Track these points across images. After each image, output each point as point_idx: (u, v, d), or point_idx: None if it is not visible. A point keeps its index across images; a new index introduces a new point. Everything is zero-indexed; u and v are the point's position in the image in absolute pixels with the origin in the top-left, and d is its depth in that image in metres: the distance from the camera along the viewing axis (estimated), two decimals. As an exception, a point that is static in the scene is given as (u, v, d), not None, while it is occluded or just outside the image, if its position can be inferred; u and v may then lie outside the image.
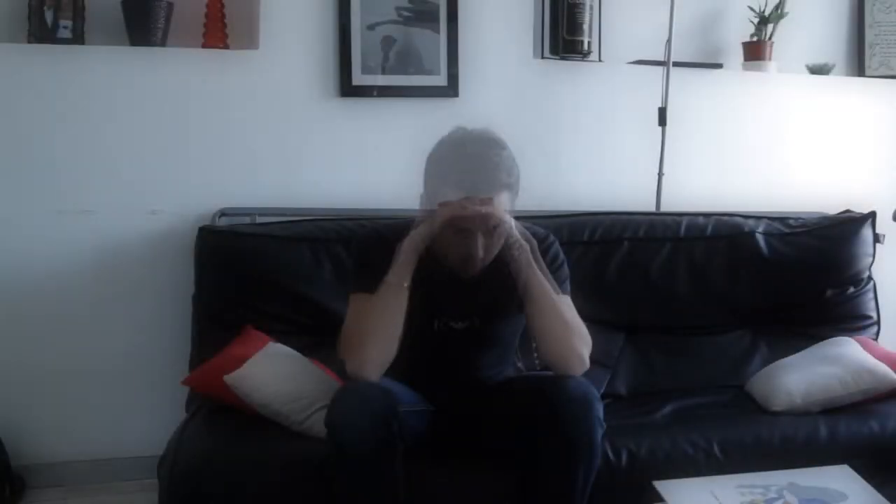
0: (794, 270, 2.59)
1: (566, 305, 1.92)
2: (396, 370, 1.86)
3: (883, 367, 2.26)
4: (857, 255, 2.64)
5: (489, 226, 1.83)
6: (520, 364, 2.13)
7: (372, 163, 2.74)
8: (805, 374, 2.26)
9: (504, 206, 1.85)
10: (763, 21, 3.01)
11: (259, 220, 2.59)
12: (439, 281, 1.89)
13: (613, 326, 2.49)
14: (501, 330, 2.01)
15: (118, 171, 2.58)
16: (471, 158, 1.84)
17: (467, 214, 1.81)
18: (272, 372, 2.08)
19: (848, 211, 2.77)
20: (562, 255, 2.03)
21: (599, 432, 1.79)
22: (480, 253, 1.85)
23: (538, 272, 1.88)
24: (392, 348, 1.84)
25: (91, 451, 2.65)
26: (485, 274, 1.89)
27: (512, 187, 1.87)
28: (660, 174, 2.81)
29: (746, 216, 2.67)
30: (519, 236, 1.89)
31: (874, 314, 2.66)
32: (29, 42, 2.51)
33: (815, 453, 2.02)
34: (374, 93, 2.71)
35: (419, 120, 2.73)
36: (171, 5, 2.57)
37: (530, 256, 1.88)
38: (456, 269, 1.89)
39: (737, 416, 2.21)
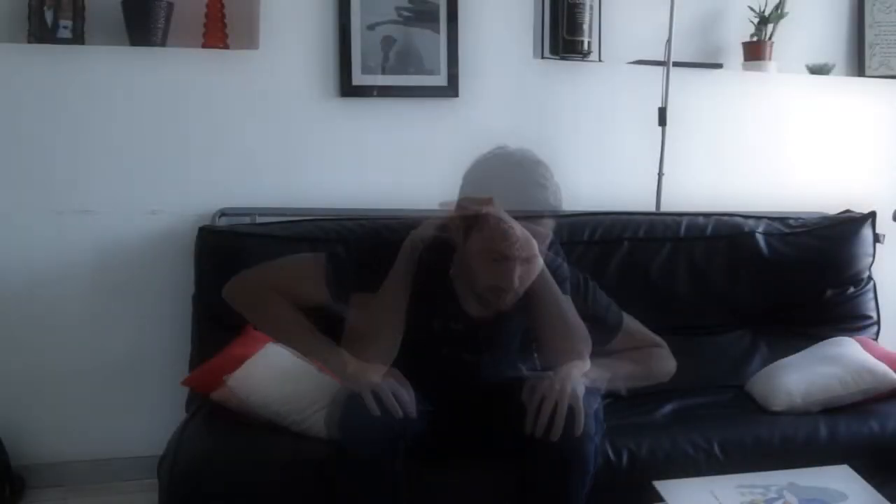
0: (794, 270, 2.59)
1: (567, 305, 1.92)
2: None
3: (883, 367, 2.26)
4: (857, 255, 2.64)
5: (529, 254, 1.80)
6: (520, 364, 2.13)
7: (372, 163, 2.74)
8: (805, 374, 2.26)
9: (548, 231, 1.84)
10: (763, 21, 3.02)
11: (259, 220, 2.59)
12: (439, 281, 1.89)
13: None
14: (501, 331, 2.01)
15: (118, 172, 2.58)
16: (515, 180, 1.81)
17: (466, 214, 1.81)
18: (272, 372, 2.08)
19: (848, 211, 2.77)
20: (561, 255, 2.03)
21: (594, 426, 1.79)
22: (516, 283, 1.81)
23: (545, 270, 1.88)
24: (392, 349, 1.84)
25: (91, 451, 2.65)
26: None
27: (557, 211, 1.86)
28: (660, 174, 2.81)
29: (746, 216, 2.67)
30: (526, 233, 1.88)
31: (874, 314, 2.66)
32: (29, 42, 2.51)
33: (815, 453, 2.02)
34: (374, 93, 2.71)
35: (419, 120, 2.74)
36: (171, 5, 2.57)
37: (537, 253, 1.88)
38: (486, 297, 1.85)
39: (737, 416, 2.21)
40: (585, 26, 2.87)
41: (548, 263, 1.94)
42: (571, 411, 1.76)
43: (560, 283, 1.94)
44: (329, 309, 1.92)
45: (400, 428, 1.75)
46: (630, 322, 2.12)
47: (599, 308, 2.08)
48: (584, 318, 1.96)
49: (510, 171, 1.84)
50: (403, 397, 1.78)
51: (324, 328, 1.98)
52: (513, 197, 1.79)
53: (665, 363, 2.12)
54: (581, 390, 1.81)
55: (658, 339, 2.14)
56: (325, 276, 1.94)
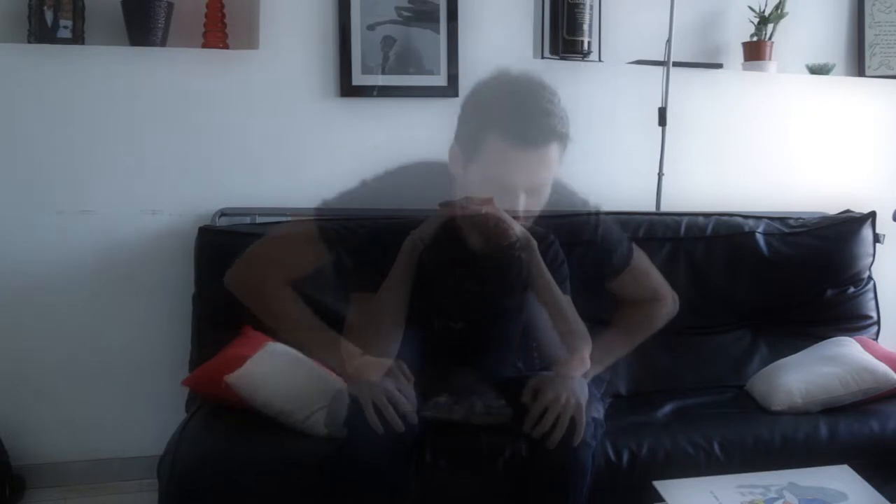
0: (794, 270, 2.59)
1: (568, 305, 1.92)
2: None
3: (883, 367, 2.26)
4: (857, 255, 2.64)
5: (535, 184, 1.73)
6: (520, 364, 2.13)
7: (372, 163, 2.72)
8: (805, 374, 2.26)
9: (554, 159, 1.72)
10: (763, 21, 3.01)
11: (259, 220, 2.59)
12: (440, 280, 1.89)
13: (614, 326, 2.49)
14: (501, 330, 2.01)
15: (118, 172, 2.58)
16: (519, 104, 1.68)
17: (466, 214, 1.80)
18: (273, 372, 2.08)
19: (848, 211, 2.77)
20: (562, 255, 2.03)
21: (592, 430, 1.79)
22: (520, 213, 1.75)
23: (545, 270, 1.87)
24: (393, 349, 1.84)
25: (91, 451, 2.65)
26: (486, 274, 1.88)
27: (563, 138, 1.72)
28: (660, 174, 2.81)
29: (746, 216, 2.67)
30: (526, 233, 1.88)
31: (874, 314, 2.66)
32: (29, 42, 2.50)
33: (815, 453, 2.03)
34: (374, 93, 2.71)
35: (419, 120, 2.73)
36: (171, 5, 2.57)
37: (537, 253, 1.87)
38: (489, 234, 1.77)
39: (737, 416, 2.21)
40: (585, 26, 2.87)
41: (548, 263, 1.94)
42: (572, 421, 1.76)
43: (560, 282, 1.94)
44: (331, 266, 1.90)
45: (401, 435, 1.75)
46: (640, 261, 2.06)
47: (608, 244, 2.03)
48: (591, 255, 1.93)
49: (512, 96, 1.71)
50: (403, 404, 1.76)
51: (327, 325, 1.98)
52: (515, 126, 1.67)
53: (665, 315, 2.07)
54: (584, 398, 1.80)
55: (664, 289, 2.08)
56: (319, 233, 1.93)
